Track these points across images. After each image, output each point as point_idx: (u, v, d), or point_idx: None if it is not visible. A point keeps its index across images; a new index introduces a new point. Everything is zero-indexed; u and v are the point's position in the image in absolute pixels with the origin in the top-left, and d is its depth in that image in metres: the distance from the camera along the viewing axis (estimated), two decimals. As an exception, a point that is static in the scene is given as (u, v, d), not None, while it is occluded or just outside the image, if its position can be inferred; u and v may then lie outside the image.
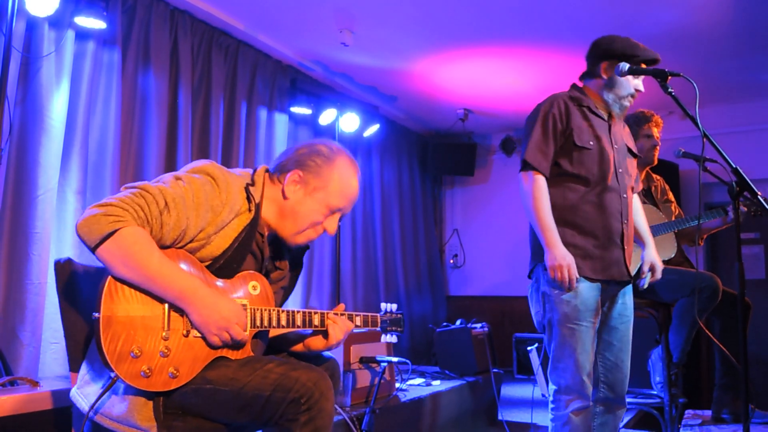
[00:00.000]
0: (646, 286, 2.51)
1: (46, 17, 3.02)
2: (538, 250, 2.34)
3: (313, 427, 1.49)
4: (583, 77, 2.50)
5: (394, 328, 2.07)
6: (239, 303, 1.62)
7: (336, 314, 1.81)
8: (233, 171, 1.70)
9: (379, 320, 1.99)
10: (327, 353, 1.83)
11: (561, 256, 2.21)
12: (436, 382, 3.85)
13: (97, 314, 1.43)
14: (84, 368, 1.59)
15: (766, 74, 4.89)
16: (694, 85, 2.08)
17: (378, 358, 3.14)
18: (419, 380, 3.89)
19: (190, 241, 1.57)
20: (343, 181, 1.74)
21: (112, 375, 1.44)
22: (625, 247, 2.37)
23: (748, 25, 4.04)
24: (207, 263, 1.60)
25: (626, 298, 2.42)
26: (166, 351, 1.49)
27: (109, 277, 1.46)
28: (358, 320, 1.92)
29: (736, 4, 3.78)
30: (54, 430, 2.19)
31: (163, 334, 1.50)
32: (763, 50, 4.42)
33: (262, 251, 1.71)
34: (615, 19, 3.97)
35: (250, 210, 1.64)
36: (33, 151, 2.98)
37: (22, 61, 2.97)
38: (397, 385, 3.45)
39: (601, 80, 2.40)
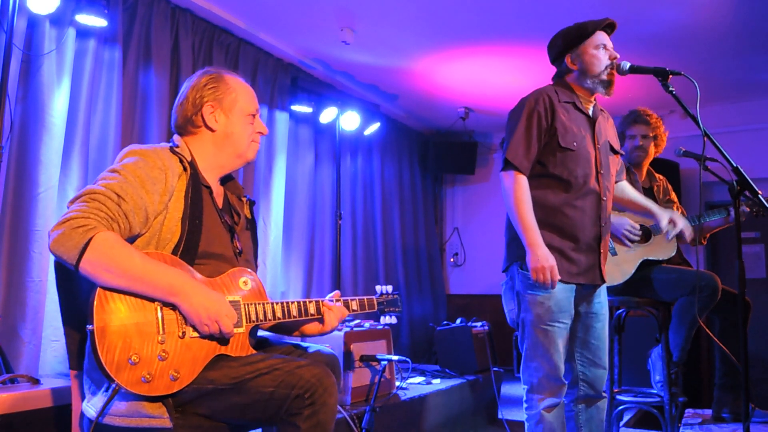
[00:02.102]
0: (672, 236, 2.55)
1: (47, 15, 3.02)
2: (514, 248, 2.33)
3: (315, 420, 1.50)
4: (558, 78, 2.47)
5: (391, 309, 2.11)
6: (233, 299, 1.65)
7: (332, 301, 1.89)
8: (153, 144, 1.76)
9: (375, 303, 2.05)
10: (327, 349, 1.84)
11: (544, 257, 2.17)
12: (437, 381, 3.85)
13: (90, 326, 1.42)
14: (86, 383, 1.60)
15: (766, 73, 4.89)
16: (695, 84, 2.08)
17: (378, 357, 3.14)
18: (419, 379, 3.89)
19: (155, 218, 1.60)
20: (243, 87, 1.84)
21: (114, 385, 1.43)
22: (601, 251, 2.36)
23: (749, 24, 4.03)
24: (177, 231, 1.62)
25: (602, 297, 2.42)
26: (164, 354, 1.49)
27: (98, 288, 1.46)
28: (354, 305, 1.97)
29: (736, 4, 3.78)
30: (54, 427, 2.19)
31: (159, 338, 1.50)
32: (763, 49, 4.42)
33: (215, 203, 1.76)
34: (616, 17, 3.93)
35: (186, 169, 1.69)
36: (34, 149, 2.98)
37: (23, 59, 2.97)
38: (398, 383, 3.46)
39: (573, 73, 2.38)
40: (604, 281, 2.39)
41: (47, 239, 1.46)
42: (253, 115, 1.84)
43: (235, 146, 1.80)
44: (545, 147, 2.30)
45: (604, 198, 2.37)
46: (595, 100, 2.43)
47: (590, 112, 2.41)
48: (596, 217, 2.33)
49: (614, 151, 2.50)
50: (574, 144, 2.30)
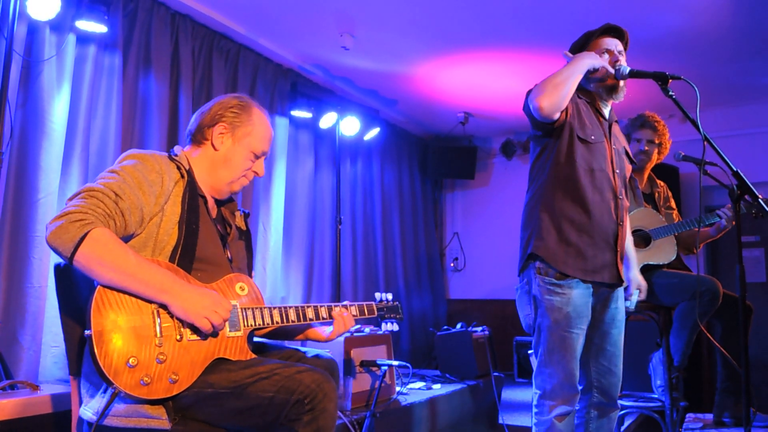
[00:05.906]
0: (633, 308, 2.47)
1: (48, 21, 3.02)
2: (530, 247, 2.28)
3: (315, 426, 1.50)
4: None
5: (392, 316, 2.11)
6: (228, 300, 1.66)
7: (339, 307, 1.92)
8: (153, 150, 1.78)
9: (375, 308, 2.07)
10: (326, 354, 1.85)
11: None
12: (437, 386, 3.84)
13: (88, 331, 1.43)
14: (83, 386, 1.60)
15: (766, 77, 4.90)
16: (695, 88, 2.08)
17: (379, 362, 3.13)
18: (420, 384, 3.88)
19: (150, 220, 1.63)
20: (264, 126, 1.87)
21: (113, 389, 1.44)
22: (618, 250, 2.33)
23: (748, 28, 4.04)
24: (174, 234, 1.64)
25: (618, 303, 2.38)
26: (162, 357, 1.50)
27: (96, 292, 1.47)
28: (353, 310, 1.98)
29: (736, 8, 3.79)
30: (54, 433, 2.19)
31: (156, 341, 1.50)
32: (763, 53, 4.43)
33: (210, 212, 1.79)
34: (615, 22, 3.96)
35: (183, 176, 1.72)
36: (34, 155, 2.98)
37: (23, 65, 2.98)
38: (398, 388, 3.45)
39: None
40: (622, 281, 2.34)
41: (45, 232, 1.48)
42: (257, 156, 1.86)
43: (229, 171, 1.83)
44: (567, 137, 2.29)
45: (621, 197, 2.36)
46: (610, 104, 2.44)
47: (606, 115, 2.41)
48: (614, 215, 2.32)
49: (630, 159, 2.51)
50: (592, 138, 2.30)
